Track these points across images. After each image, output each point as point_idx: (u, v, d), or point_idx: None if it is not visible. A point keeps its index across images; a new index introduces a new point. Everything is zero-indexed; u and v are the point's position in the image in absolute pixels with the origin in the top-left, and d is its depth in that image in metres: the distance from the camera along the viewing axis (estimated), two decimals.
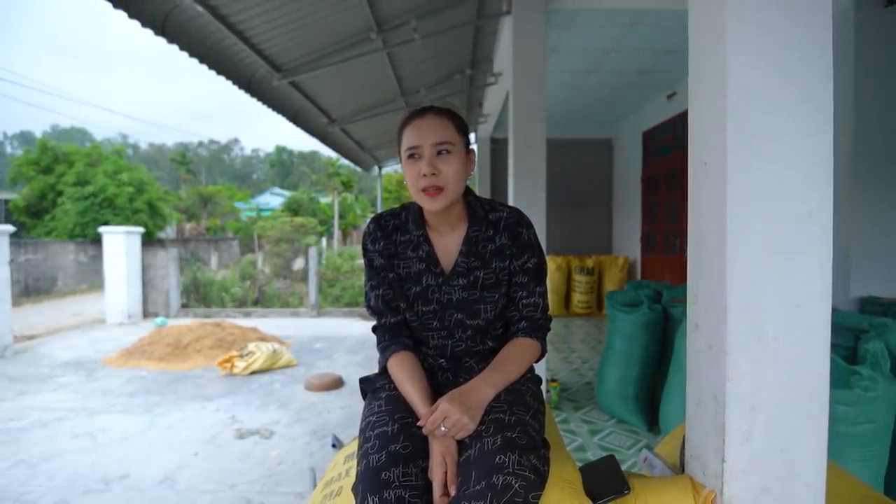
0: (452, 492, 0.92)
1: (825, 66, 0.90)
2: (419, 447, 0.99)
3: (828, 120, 0.91)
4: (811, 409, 0.93)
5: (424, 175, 1.07)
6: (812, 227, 0.92)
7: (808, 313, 0.92)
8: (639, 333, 3.21)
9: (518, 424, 0.98)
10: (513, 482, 0.86)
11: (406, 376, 1.10)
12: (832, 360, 1.53)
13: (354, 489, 0.96)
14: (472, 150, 1.17)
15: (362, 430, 1.06)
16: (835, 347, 2.07)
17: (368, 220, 1.23)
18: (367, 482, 0.93)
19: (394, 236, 1.19)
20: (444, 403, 0.97)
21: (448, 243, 1.18)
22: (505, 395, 1.06)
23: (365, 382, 1.22)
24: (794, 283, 0.93)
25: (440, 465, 0.95)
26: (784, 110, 0.91)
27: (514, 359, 1.11)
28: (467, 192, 1.18)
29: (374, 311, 1.21)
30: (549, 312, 1.22)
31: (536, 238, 1.19)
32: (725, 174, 0.93)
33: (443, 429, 0.96)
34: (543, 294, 1.19)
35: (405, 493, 0.91)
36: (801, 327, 0.93)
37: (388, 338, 1.19)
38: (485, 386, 1.03)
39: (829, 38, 0.89)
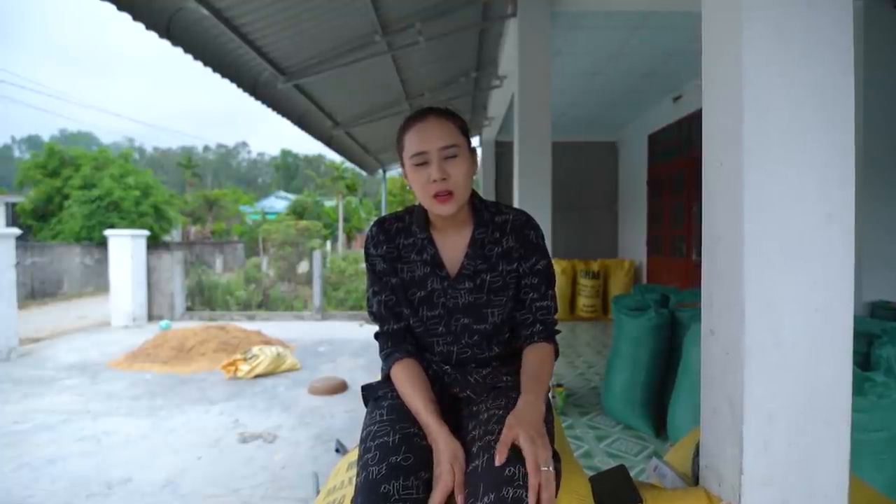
0: (460, 501, 0.89)
1: (846, 61, 0.86)
2: (421, 459, 0.95)
3: (848, 117, 0.87)
4: (832, 418, 0.89)
5: (435, 181, 1.04)
6: (833, 229, 0.88)
7: (828, 318, 0.89)
8: (646, 338, 3.16)
9: None
10: (523, 495, 0.83)
11: (409, 385, 1.06)
12: None
13: (353, 502, 0.93)
14: (475, 149, 1.15)
15: (363, 440, 1.02)
16: None
17: (371, 224, 1.20)
18: (366, 495, 0.89)
19: (397, 239, 1.16)
20: (525, 444, 0.87)
21: (453, 246, 1.15)
22: (514, 404, 1.03)
23: (367, 390, 1.18)
24: (813, 287, 0.89)
25: (448, 473, 0.91)
26: (803, 107, 0.88)
27: (546, 368, 1.08)
28: (472, 194, 1.16)
29: (376, 318, 1.18)
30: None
31: (544, 241, 1.17)
32: (741, 173, 0.90)
33: (544, 469, 0.86)
34: (554, 297, 1.17)
35: None
36: (822, 333, 0.89)
37: (391, 345, 1.15)
38: (538, 403, 0.98)
39: (850, 34, 0.86)
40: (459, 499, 0.89)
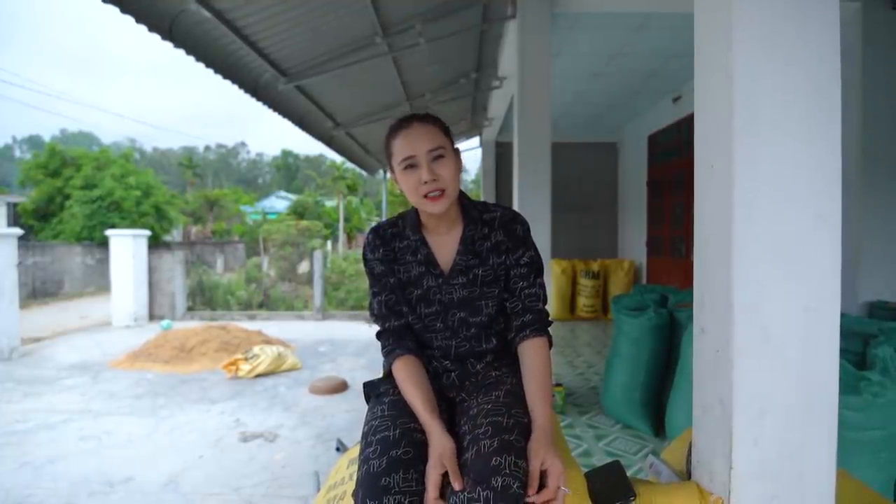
0: (457, 487, 0.91)
1: (833, 65, 0.89)
2: (421, 453, 0.98)
3: (836, 120, 0.89)
4: (820, 415, 0.91)
5: (426, 182, 1.09)
6: (821, 229, 0.91)
7: (817, 317, 0.91)
8: (645, 338, 3.17)
9: (516, 427, 0.98)
10: (512, 483, 0.86)
11: (409, 382, 1.10)
12: (841, 366, 1.52)
13: (354, 494, 0.96)
14: (458, 150, 1.20)
15: (364, 435, 1.05)
16: (843, 353, 2.05)
17: (367, 231, 1.25)
18: (367, 488, 0.92)
19: (392, 243, 1.21)
20: (554, 468, 0.92)
21: (445, 244, 1.20)
22: (504, 397, 1.06)
23: (369, 386, 1.22)
24: (802, 286, 0.91)
25: (436, 467, 0.93)
26: (792, 110, 0.90)
27: (547, 370, 1.11)
28: (460, 194, 1.21)
29: (378, 317, 1.22)
30: (553, 315, 1.22)
31: (531, 235, 1.21)
32: (732, 175, 0.92)
33: (563, 489, 0.92)
34: (543, 286, 1.21)
35: (405, 500, 0.91)
36: (810, 331, 0.91)
37: (393, 341, 1.19)
38: (550, 415, 1.03)
39: (837, 38, 0.88)
40: (456, 485, 0.91)
